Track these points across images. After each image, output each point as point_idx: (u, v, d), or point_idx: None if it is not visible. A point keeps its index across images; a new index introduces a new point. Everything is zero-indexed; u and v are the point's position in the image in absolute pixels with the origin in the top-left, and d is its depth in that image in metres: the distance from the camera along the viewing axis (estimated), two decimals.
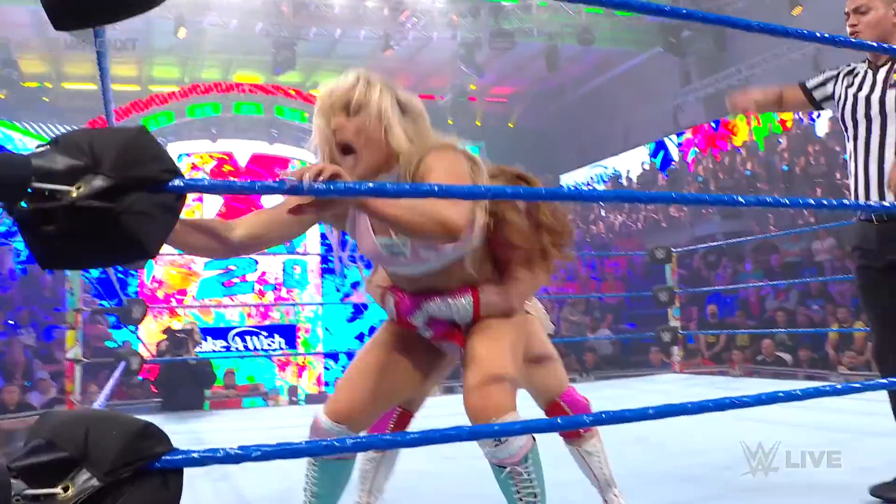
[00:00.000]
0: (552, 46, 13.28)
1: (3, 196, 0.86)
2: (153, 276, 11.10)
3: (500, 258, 1.59)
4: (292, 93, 12.08)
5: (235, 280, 11.22)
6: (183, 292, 11.05)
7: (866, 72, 2.14)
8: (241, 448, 0.87)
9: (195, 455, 0.85)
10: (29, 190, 0.84)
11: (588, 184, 16.80)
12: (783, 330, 7.17)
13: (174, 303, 10.46)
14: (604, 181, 16.39)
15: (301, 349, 11.14)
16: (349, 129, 1.40)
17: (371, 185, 0.99)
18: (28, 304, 9.30)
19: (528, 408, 1.58)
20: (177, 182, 0.89)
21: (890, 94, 2.06)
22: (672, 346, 5.58)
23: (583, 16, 12.59)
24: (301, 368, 11.32)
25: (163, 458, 0.83)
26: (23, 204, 0.87)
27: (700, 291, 8.39)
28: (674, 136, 14.34)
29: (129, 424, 0.84)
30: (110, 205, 0.84)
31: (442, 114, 15.09)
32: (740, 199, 1.30)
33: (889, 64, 2.10)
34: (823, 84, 2.26)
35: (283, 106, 12.07)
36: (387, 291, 1.62)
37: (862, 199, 2.05)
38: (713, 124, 13.31)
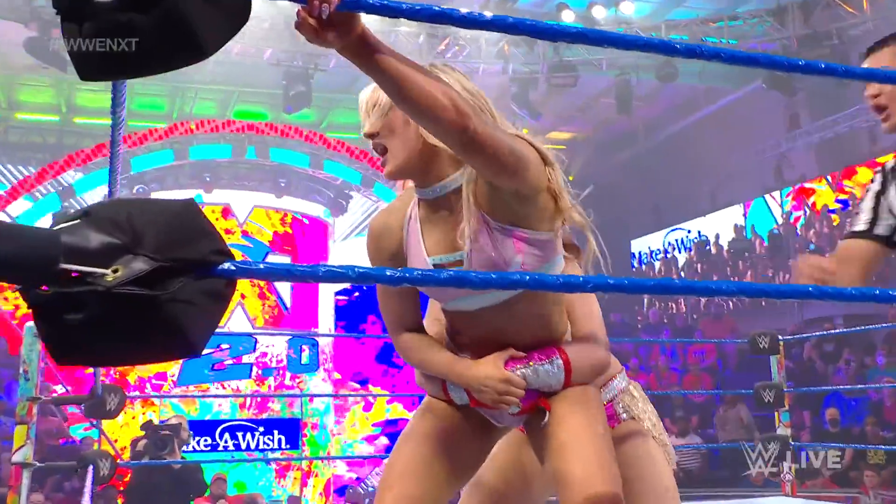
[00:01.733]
0: (624, 82, 13.48)
1: (25, 279, 0.91)
2: None
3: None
4: (325, 140, 12.39)
5: (228, 362, 11.31)
6: (161, 376, 11.16)
7: None
8: None
9: None
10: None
11: (666, 251, 16.74)
12: None
13: (150, 389, 10.56)
14: (686, 248, 16.32)
15: (307, 451, 11.08)
16: (377, 126, 1.60)
17: None
18: None
19: None
20: (228, 266, 0.93)
21: None
22: (781, 460, 5.44)
23: None
24: (306, 475, 11.24)
25: None
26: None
27: (815, 391, 8.22)
28: (776, 193, 14.30)
29: None
30: (154, 292, 0.88)
31: None
32: (810, 289, 1.27)
33: None
34: (876, 215, 2.17)
35: (294, 150, 12.37)
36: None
37: None
38: (827, 179, 13.25)
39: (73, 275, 0.91)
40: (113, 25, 0.90)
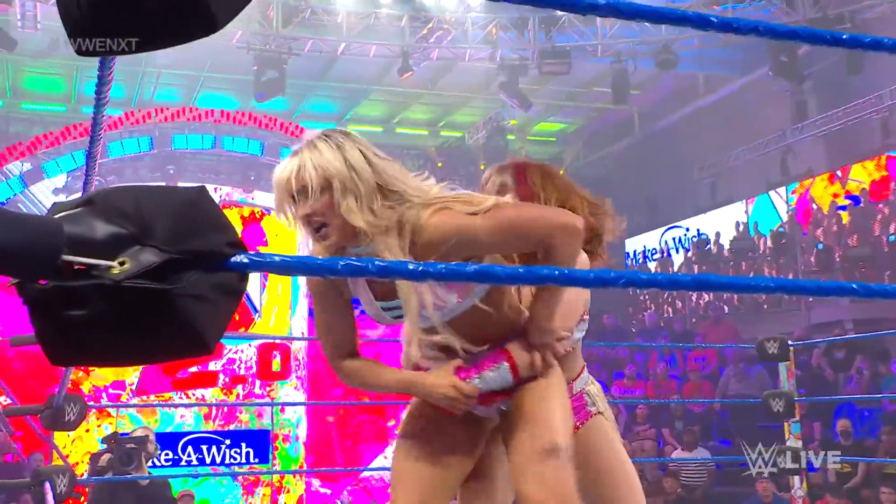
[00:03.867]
0: (620, 69, 13.52)
1: (24, 271, 0.90)
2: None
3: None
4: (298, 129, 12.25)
5: (192, 369, 11.26)
6: (119, 385, 11.09)
7: None
8: None
9: None
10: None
11: (663, 250, 16.83)
12: None
13: (106, 400, 10.50)
14: (684, 247, 16.41)
15: (278, 465, 11.06)
16: (315, 208, 1.81)
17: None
18: None
19: None
20: (241, 258, 0.93)
21: None
22: (793, 475, 5.50)
23: (663, 29, 12.80)
24: (276, 491, 11.21)
25: None
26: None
27: (826, 400, 8.30)
28: (782, 189, 14.40)
29: None
30: (165, 286, 0.89)
31: (471, 156, 15.31)
32: (855, 286, 1.27)
33: None
34: None
35: (265, 142, 12.29)
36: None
37: None
38: (838, 173, 13.35)
39: (76, 267, 0.91)
40: None
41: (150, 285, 0.89)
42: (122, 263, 0.90)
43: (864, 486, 8.28)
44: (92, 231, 0.91)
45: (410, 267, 1.00)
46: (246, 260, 0.94)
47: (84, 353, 0.94)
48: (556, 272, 1.08)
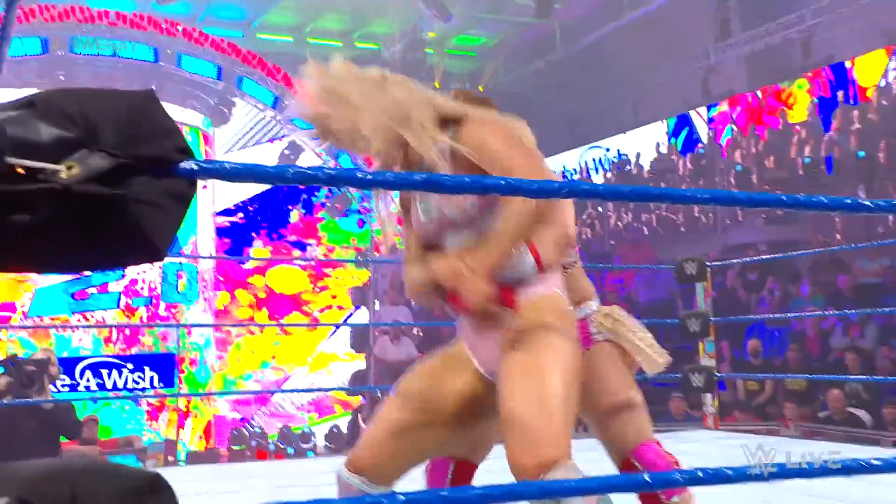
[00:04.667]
0: None
1: None
2: None
3: None
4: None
5: (91, 290, 11.07)
6: (9, 307, 10.83)
7: None
8: None
9: None
10: None
11: (583, 170, 17.06)
12: (857, 377, 7.39)
13: None
14: (604, 168, 16.67)
15: (184, 389, 11.04)
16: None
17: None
18: None
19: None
20: (191, 164, 0.96)
21: None
22: (705, 392, 5.77)
23: None
24: (183, 416, 11.22)
25: None
26: None
27: (740, 320, 8.64)
28: (703, 109, 14.68)
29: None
30: (118, 191, 0.90)
31: (389, 70, 15.11)
32: (784, 198, 1.37)
33: None
34: None
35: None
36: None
37: None
38: (759, 94, 13.66)
39: (18, 171, 0.91)
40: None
41: (101, 190, 0.90)
42: (69, 168, 0.91)
43: (770, 402, 8.72)
44: (36, 134, 0.91)
45: (359, 175, 1.04)
46: (195, 166, 0.97)
47: (28, 258, 0.95)
48: (502, 181, 1.13)
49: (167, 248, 0.96)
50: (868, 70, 11.80)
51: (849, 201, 1.45)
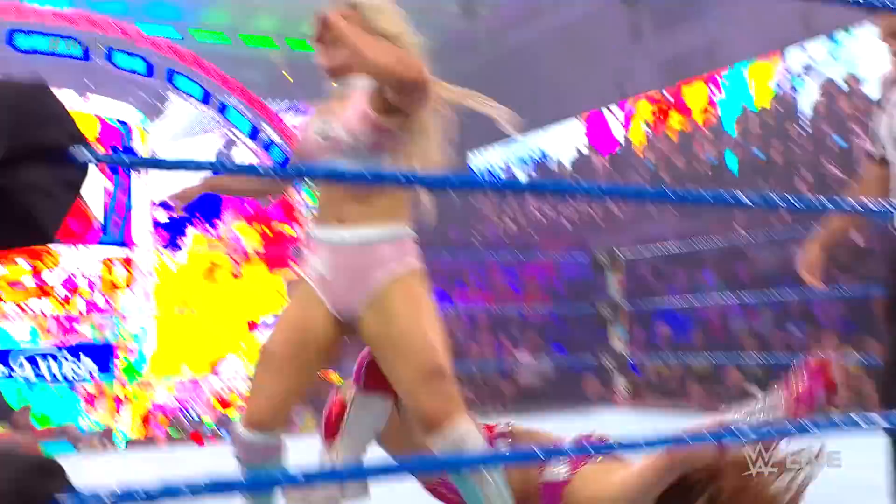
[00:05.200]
0: None
1: None
2: None
3: None
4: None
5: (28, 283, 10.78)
6: None
7: None
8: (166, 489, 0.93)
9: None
10: None
11: (507, 167, 17.16)
12: (753, 359, 7.57)
13: None
14: (525, 163, 16.78)
15: (123, 378, 10.83)
16: None
17: None
18: None
19: None
20: (83, 153, 0.93)
21: None
22: (617, 375, 5.87)
23: None
24: (119, 402, 11.00)
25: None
26: None
27: (650, 308, 8.78)
28: (617, 108, 14.88)
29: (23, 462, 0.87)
30: (5, 181, 0.87)
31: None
32: (670, 193, 1.40)
33: None
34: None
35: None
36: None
37: None
38: (664, 93, 13.89)
39: None
40: None
41: None
42: None
43: (679, 384, 8.91)
44: None
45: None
46: (87, 153, 0.94)
47: None
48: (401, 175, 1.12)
49: (55, 230, 0.93)
50: (763, 75, 12.24)
51: (730, 197, 1.48)
